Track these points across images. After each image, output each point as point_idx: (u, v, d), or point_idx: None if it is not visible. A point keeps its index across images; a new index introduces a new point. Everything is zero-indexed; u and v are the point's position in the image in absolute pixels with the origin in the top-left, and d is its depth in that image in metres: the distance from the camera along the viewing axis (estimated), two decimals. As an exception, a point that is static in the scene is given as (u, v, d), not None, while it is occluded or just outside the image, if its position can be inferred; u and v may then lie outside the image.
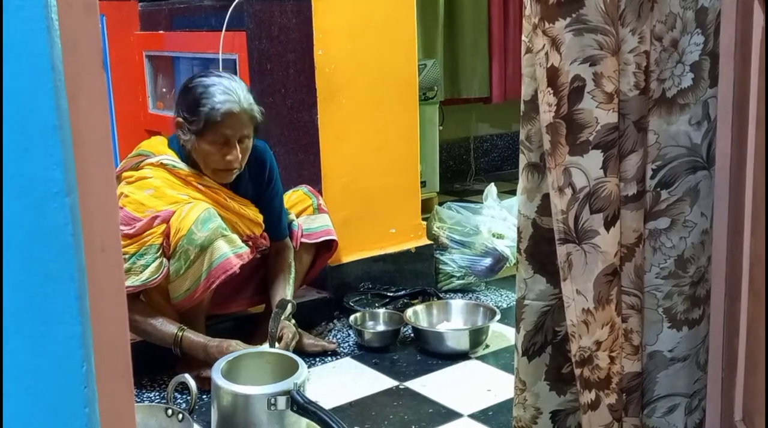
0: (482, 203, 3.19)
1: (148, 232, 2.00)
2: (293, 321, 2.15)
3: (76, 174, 0.75)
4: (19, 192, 0.69)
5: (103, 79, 0.81)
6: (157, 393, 2.11)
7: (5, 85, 0.68)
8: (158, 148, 2.15)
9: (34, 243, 0.70)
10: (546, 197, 1.36)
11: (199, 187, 2.11)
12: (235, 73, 2.55)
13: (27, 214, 0.69)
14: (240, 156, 2.07)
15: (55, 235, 0.71)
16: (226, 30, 2.71)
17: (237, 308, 2.36)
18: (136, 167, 2.11)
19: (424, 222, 2.83)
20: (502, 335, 2.41)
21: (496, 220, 3.00)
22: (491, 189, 3.23)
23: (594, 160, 1.28)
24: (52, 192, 0.70)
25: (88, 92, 0.79)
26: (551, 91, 1.28)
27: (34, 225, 0.70)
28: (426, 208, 3.06)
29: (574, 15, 1.24)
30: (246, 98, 2.08)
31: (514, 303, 2.59)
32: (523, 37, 1.36)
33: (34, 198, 0.70)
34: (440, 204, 3.25)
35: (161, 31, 3.28)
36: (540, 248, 1.40)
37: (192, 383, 1.85)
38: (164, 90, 3.34)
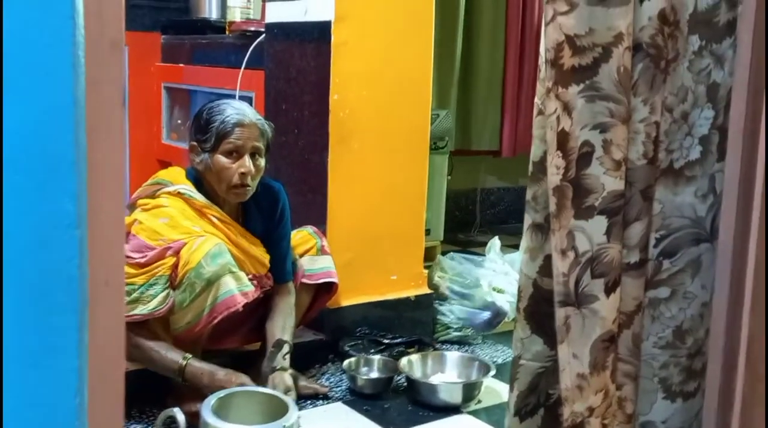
0: (485, 256, 3.19)
1: (158, 263, 2.01)
2: (290, 370, 2.14)
3: (87, 207, 0.75)
4: (31, 222, 0.70)
5: (123, 114, 0.82)
6: (144, 425, 2.09)
7: (28, 118, 0.69)
8: (176, 177, 2.18)
9: (40, 274, 0.71)
10: (548, 258, 1.37)
11: (213, 219, 2.13)
12: (250, 111, 2.58)
13: (36, 245, 0.70)
14: (253, 170, 2.10)
15: (62, 267, 0.72)
16: (245, 68, 2.75)
17: (232, 344, 2.36)
18: (153, 195, 2.13)
19: (426, 271, 2.84)
20: (496, 391, 2.40)
21: (498, 275, 3.00)
22: (495, 242, 3.23)
23: (598, 225, 1.29)
24: (63, 224, 0.71)
25: (106, 126, 0.81)
26: (560, 155, 1.29)
27: (42, 257, 0.71)
28: (429, 255, 3.07)
29: (587, 82, 1.26)
30: (254, 114, 2.18)
31: (510, 359, 2.58)
32: (536, 100, 1.38)
33: (44, 229, 0.71)
34: (443, 253, 3.25)
35: (181, 64, 3.33)
36: (539, 308, 1.40)
37: (181, 417, 1.84)
38: (179, 121, 3.39)
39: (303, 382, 2.30)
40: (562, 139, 1.29)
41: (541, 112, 1.36)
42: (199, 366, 2.04)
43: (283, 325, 2.23)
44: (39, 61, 0.70)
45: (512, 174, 4.68)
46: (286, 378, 2.10)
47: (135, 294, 1.98)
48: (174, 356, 2.04)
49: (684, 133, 1.34)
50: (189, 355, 2.05)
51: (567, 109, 1.28)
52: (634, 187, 1.32)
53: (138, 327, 2.02)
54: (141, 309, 1.98)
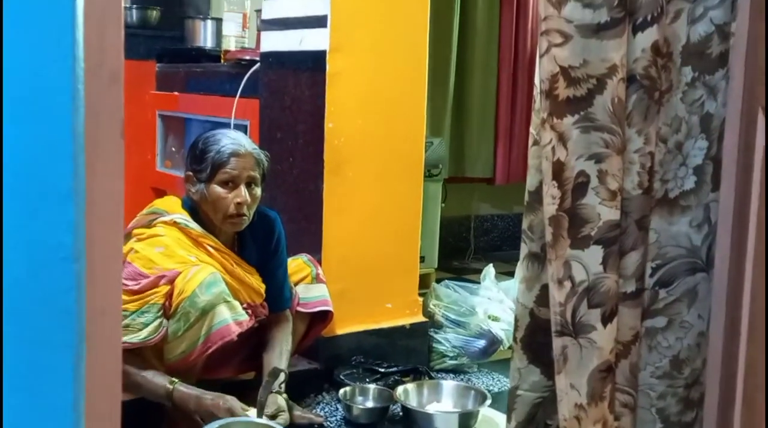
0: (480, 283, 3.18)
1: (152, 291, 2.00)
2: (285, 395, 2.13)
3: (85, 238, 0.75)
4: (28, 254, 0.70)
5: (122, 146, 0.82)
6: (138, 456, 2.07)
7: (27, 149, 0.69)
8: (172, 207, 2.18)
9: (36, 306, 0.70)
10: (545, 288, 1.37)
11: (209, 249, 2.12)
12: (245, 139, 2.58)
13: (33, 277, 0.70)
14: (249, 199, 2.10)
15: (59, 300, 0.71)
16: (240, 96, 2.76)
17: (227, 374, 2.34)
18: (149, 224, 2.12)
19: (421, 299, 2.83)
20: (492, 420, 2.38)
21: (493, 302, 2.99)
22: (489, 270, 3.23)
23: (594, 255, 1.29)
24: (60, 256, 0.71)
25: (105, 159, 0.81)
26: (556, 185, 1.30)
27: (38, 289, 0.70)
28: (423, 283, 3.06)
29: (582, 113, 1.27)
30: (250, 144, 2.18)
31: (506, 387, 2.57)
32: (531, 130, 1.39)
33: (42, 261, 0.70)
34: (438, 281, 3.24)
35: (176, 92, 3.34)
36: (536, 338, 1.40)
37: (175, 448, 1.82)
38: (173, 149, 3.39)
39: (298, 412, 2.27)
40: (558, 169, 1.29)
41: (536, 142, 1.37)
42: (186, 391, 2.02)
43: (280, 354, 2.22)
44: (38, 93, 0.70)
45: (506, 201, 4.69)
46: (279, 399, 2.09)
47: (126, 321, 1.96)
48: (161, 380, 2.02)
49: (678, 163, 1.35)
50: (176, 380, 2.03)
51: (562, 139, 1.29)
52: (629, 216, 1.32)
53: (130, 356, 2.01)
54: (131, 338, 1.96)
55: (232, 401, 2.02)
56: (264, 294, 2.24)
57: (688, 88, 1.32)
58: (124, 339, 1.96)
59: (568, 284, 1.29)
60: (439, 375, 2.68)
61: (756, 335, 1.22)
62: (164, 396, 2.02)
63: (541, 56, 1.29)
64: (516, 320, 1.42)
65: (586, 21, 1.24)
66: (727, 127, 1.33)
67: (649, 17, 1.27)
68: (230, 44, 3.24)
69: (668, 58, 1.31)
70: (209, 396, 2.02)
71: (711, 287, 1.35)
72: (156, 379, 2.02)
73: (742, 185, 1.31)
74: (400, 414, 2.37)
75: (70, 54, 0.73)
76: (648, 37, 1.27)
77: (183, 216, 2.14)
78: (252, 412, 2.02)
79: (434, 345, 2.77)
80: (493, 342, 2.78)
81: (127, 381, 2.01)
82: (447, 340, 2.77)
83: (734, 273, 1.32)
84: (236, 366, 2.35)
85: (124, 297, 1.97)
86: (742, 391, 1.26)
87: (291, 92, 2.59)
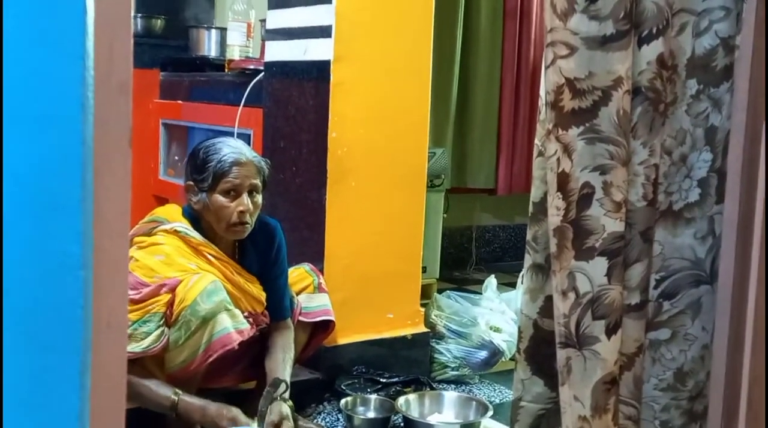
0: (481, 294, 3.18)
1: (153, 300, 2.00)
2: (289, 401, 2.12)
3: (93, 248, 0.75)
4: (35, 262, 0.70)
5: (129, 155, 0.83)
6: (138, 465, 2.06)
7: (36, 157, 0.69)
8: (173, 215, 2.18)
9: (43, 314, 0.70)
10: (549, 299, 1.37)
11: (209, 257, 2.13)
12: (249, 148, 2.59)
13: (40, 285, 0.70)
14: (251, 208, 2.11)
15: (65, 308, 0.71)
16: (243, 105, 2.77)
17: (228, 383, 2.33)
18: (149, 233, 2.12)
19: (423, 309, 2.82)
20: (494, 432, 2.37)
21: (495, 313, 2.99)
22: (491, 281, 3.22)
23: (599, 266, 1.29)
24: (68, 265, 0.71)
25: (113, 168, 0.81)
26: (560, 196, 1.30)
27: (45, 297, 0.70)
28: (425, 293, 3.06)
29: (587, 124, 1.28)
30: (250, 152, 2.19)
31: (507, 398, 2.56)
32: (536, 141, 1.39)
33: (48, 269, 0.70)
34: (439, 291, 3.24)
35: (180, 101, 3.35)
36: (540, 349, 1.40)
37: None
38: (176, 158, 3.40)
39: (300, 422, 2.27)
40: (563, 180, 1.29)
41: (541, 154, 1.37)
42: (190, 401, 2.02)
43: (282, 362, 2.21)
44: (48, 101, 0.71)
45: (508, 212, 4.69)
46: (283, 407, 2.08)
47: (128, 330, 1.96)
48: (165, 391, 2.02)
49: (683, 176, 1.35)
50: (180, 391, 2.03)
51: (567, 150, 1.29)
52: (634, 228, 1.32)
53: (131, 365, 2.00)
54: (134, 347, 1.97)
55: (236, 411, 2.01)
56: (265, 303, 2.24)
57: (692, 100, 1.32)
58: (127, 348, 1.95)
59: (572, 295, 1.29)
60: (440, 386, 2.67)
61: (760, 348, 1.22)
62: (169, 407, 2.01)
63: (546, 68, 1.29)
64: (519, 331, 1.42)
65: (592, 33, 1.24)
66: (732, 140, 1.34)
67: (654, 30, 1.27)
68: (234, 53, 3.24)
69: (673, 71, 1.31)
70: (213, 407, 2.02)
71: (715, 299, 1.35)
72: (160, 390, 2.02)
73: (746, 198, 1.31)
74: (402, 424, 2.36)
75: (81, 62, 0.73)
76: (653, 49, 1.27)
77: (183, 225, 2.14)
78: (255, 424, 2.01)
79: (436, 355, 2.77)
80: (495, 353, 2.77)
81: (129, 391, 2.01)
82: (448, 351, 2.77)
83: (738, 285, 1.32)
84: (237, 375, 2.35)
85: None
86: (746, 404, 1.25)
87: (295, 102, 2.60)
